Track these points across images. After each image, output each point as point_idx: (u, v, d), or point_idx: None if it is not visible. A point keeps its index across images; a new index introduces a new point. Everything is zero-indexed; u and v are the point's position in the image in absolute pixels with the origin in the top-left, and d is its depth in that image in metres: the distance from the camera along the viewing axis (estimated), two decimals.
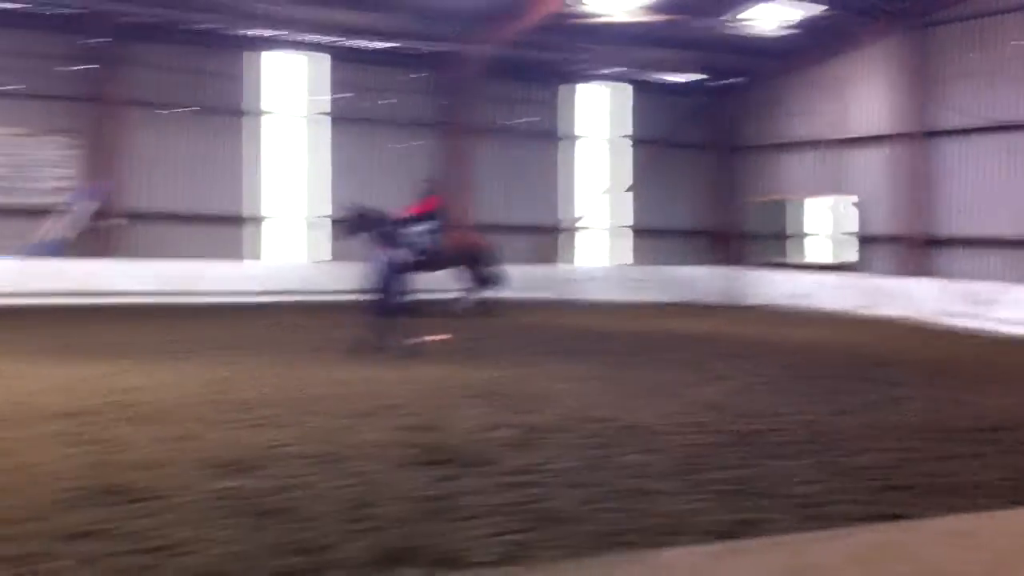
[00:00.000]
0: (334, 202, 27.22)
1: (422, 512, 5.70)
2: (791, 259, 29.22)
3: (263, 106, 27.30)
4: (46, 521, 5.32)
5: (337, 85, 28.00)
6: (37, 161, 24.79)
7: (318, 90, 28.16)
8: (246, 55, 26.97)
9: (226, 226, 26.34)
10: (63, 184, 25.00)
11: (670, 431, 8.33)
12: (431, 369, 12.13)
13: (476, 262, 23.24)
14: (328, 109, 28.02)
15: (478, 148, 29.09)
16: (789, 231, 29.81)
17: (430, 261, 22.48)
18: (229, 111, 26.66)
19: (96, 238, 24.79)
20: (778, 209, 29.95)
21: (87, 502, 5.71)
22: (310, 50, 27.61)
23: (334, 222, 24.05)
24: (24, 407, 8.84)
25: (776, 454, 7.58)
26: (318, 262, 26.84)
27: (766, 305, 25.75)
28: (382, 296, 14.21)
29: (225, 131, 26.67)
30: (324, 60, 27.99)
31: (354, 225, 22.55)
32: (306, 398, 9.68)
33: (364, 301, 14.45)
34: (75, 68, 24.75)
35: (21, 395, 9.54)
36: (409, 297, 14.81)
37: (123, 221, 24.71)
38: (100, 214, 24.75)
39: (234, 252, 25.60)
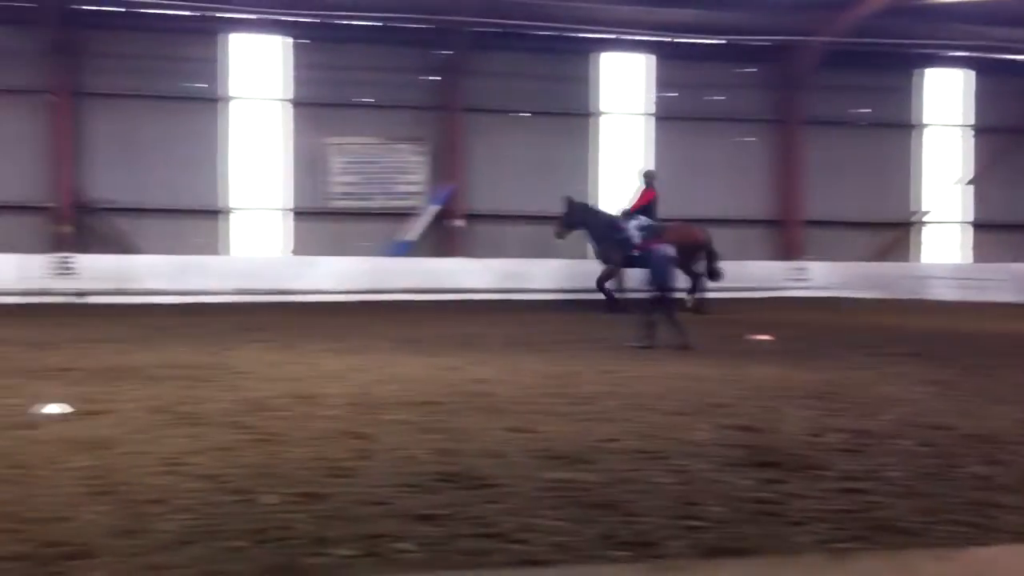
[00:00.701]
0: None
1: (747, 514, 5.62)
2: None
3: (597, 107, 27.76)
4: (393, 504, 5.64)
5: (662, 83, 28.04)
6: (389, 168, 26.60)
7: (647, 89, 28.29)
8: (585, 57, 27.47)
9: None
10: (414, 188, 26.68)
11: (1018, 441, 7.71)
12: (757, 368, 11.86)
13: (694, 257, 22.24)
14: (653, 108, 28.12)
15: (812, 141, 28.20)
16: None
17: (644, 257, 22.03)
18: (573, 112, 27.27)
19: (441, 238, 26.28)
20: None
21: (431, 487, 6.01)
22: (635, 50, 27.79)
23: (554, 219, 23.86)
24: (375, 396, 9.42)
25: None
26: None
27: None
28: (662, 291, 13.97)
29: (569, 132, 27.29)
30: (649, 59, 28.10)
31: (569, 220, 22.27)
32: (633, 393, 9.75)
33: (645, 296, 14.35)
34: (422, 79, 26.32)
35: (373, 385, 10.18)
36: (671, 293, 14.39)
37: (462, 222, 25.90)
38: (444, 215, 26.21)
39: (562, 251, 25.96)
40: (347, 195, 26.66)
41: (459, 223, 25.94)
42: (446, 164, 26.79)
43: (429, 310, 21.39)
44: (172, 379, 10.44)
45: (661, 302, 14.13)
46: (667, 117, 28.24)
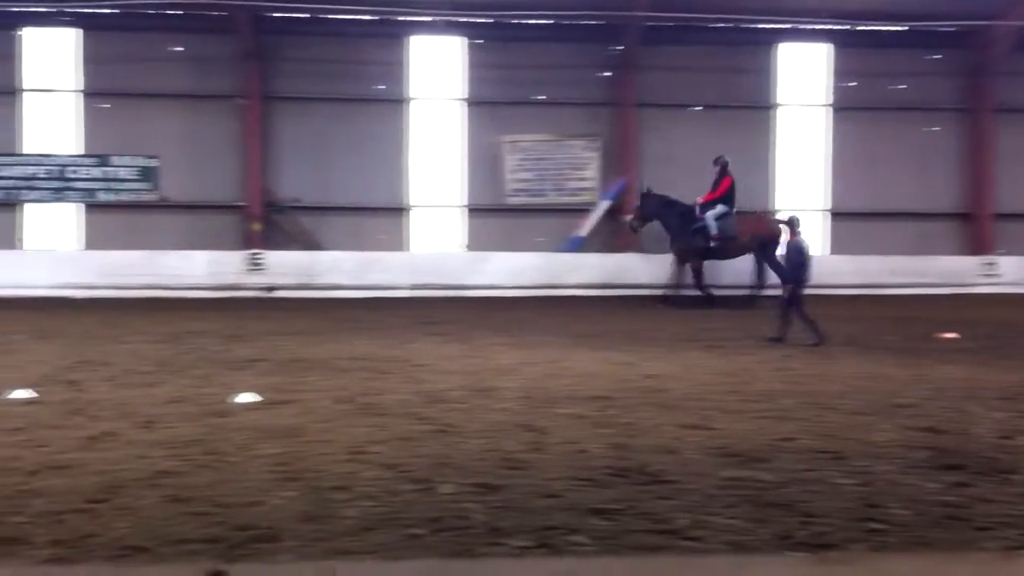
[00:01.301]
0: (834, 195, 26.50)
1: (932, 518, 5.40)
2: None
3: (775, 99, 27.18)
4: (566, 496, 5.67)
5: (842, 73, 27.19)
6: (562, 164, 26.64)
7: (826, 79, 27.50)
8: (761, 48, 26.90)
9: None
10: (586, 184, 26.69)
11: None
12: (943, 368, 11.38)
13: (771, 248, 21.17)
14: (832, 98, 27.30)
15: (1003, 129, 26.82)
16: None
17: (722, 248, 21.04)
18: (749, 105, 26.77)
19: (613, 233, 26.17)
20: None
21: (604, 481, 6.01)
22: (813, 39, 27.02)
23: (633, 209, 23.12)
24: (548, 390, 9.47)
25: None
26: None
27: None
28: (796, 285, 13.66)
29: (744, 125, 26.80)
30: (828, 49, 27.30)
31: (645, 212, 21.61)
32: (811, 392, 9.49)
33: (783, 291, 14.09)
34: (595, 75, 26.27)
35: (546, 379, 10.23)
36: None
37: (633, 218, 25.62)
38: (616, 211, 26.09)
39: None
40: (521, 191, 26.83)
41: (631, 219, 25.71)
42: (618, 159, 26.69)
43: (600, 305, 21.40)
44: (355, 370, 10.76)
45: (794, 297, 13.74)
46: (847, 107, 27.35)
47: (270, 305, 21.95)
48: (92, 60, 26.15)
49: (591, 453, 6.77)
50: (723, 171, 21.92)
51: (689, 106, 26.84)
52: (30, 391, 8.98)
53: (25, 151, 26.31)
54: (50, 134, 26.46)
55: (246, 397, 8.69)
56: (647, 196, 22.13)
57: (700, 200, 21.79)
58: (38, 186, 26.16)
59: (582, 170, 26.80)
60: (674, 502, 5.59)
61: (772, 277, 20.62)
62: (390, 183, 27.00)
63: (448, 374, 10.53)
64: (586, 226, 26.27)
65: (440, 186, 27.26)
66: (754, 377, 10.55)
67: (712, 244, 21.26)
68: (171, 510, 5.36)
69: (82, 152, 26.30)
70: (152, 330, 15.46)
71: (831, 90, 27.52)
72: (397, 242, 27.00)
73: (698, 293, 21.59)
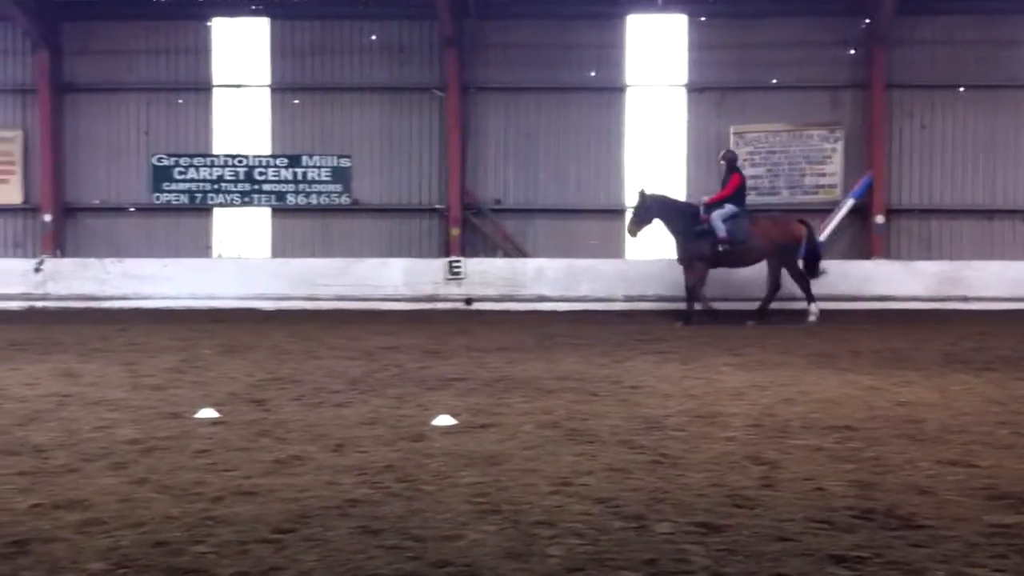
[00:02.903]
0: None
1: None
2: None
3: None
4: (801, 541, 5.59)
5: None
6: (798, 157, 26.02)
7: None
8: None
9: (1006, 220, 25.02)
10: (827, 180, 26.01)
11: None
12: None
13: (791, 254, 20.68)
14: None
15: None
16: None
17: (732, 253, 20.62)
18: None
19: (858, 237, 25.41)
20: None
21: (846, 524, 5.89)
22: None
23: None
24: (781, 417, 9.36)
25: None
26: None
27: None
28: None
29: (1017, 107, 25.63)
30: None
31: (641, 214, 20.86)
32: None
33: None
34: (837, 53, 25.58)
35: (779, 405, 10.10)
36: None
37: (883, 218, 24.89)
38: (862, 210, 25.33)
39: (1010, 252, 25.03)
40: (751, 189, 26.36)
41: (879, 220, 24.87)
42: (864, 151, 25.92)
43: (843, 320, 20.89)
44: (562, 392, 10.92)
45: None
46: None
47: (470, 318, 22.38)
48: (281, 52, 27.43)
49: (830, 491, 6.65)
50: (731, 167, 21.30)
51: (948, 87, 25.80)
52: (216, 411, 9.46)
53: (214, 151, 27.74)
54: (239, 132, 27.89)
55: (444, 420, 8.96)
56: (643, 197, 21.51)
57: (707, 200, 21.26)
58: (227, 189, 27.54)
59: (822, 164, 26.15)
60: (929, 551, 5.42)
61: (790, 286, 20.79)
62: (603, 181, 27.20)
63: (666, 397, 10.55)
64: (827, 229, 25.62)
65: (659, 184, 26.88)
66: None
67: (721, 248, 20.64)
68: (362, 543, 5.53)
69: (271, 152, 27.53)
70: (344, 345, 15.99)
71: None
72: (610, 248, 27.02)
73: (697, 306, 21.10)
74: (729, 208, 20.80)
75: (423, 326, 19.82)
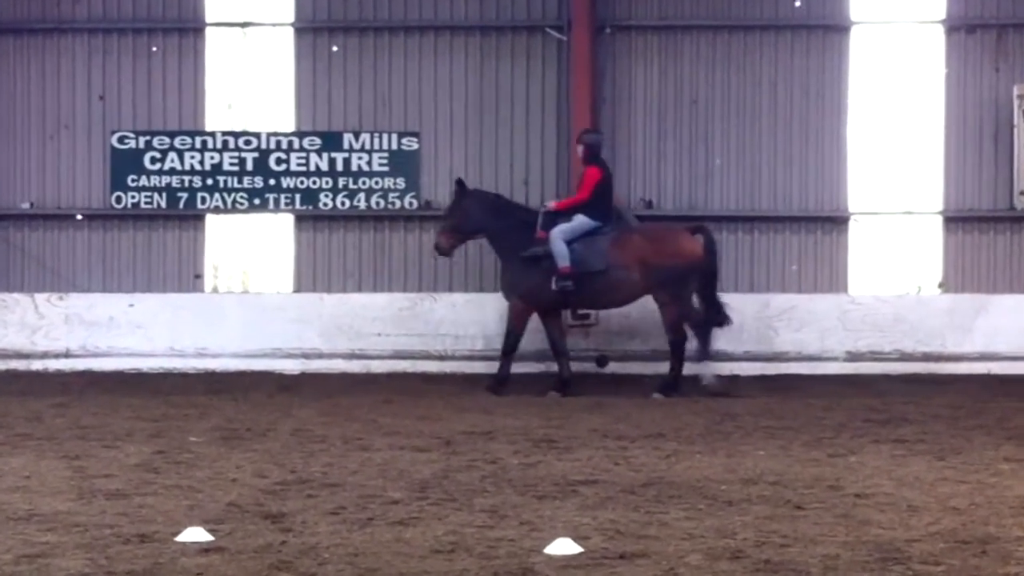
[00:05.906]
0: None
1: None
2: None
3: None
4: None
5: None
6: None
7: None
8: None
9: None
10: None
11: None
12: None
13: (678, 285, 19.63)
14: None
15: None
16: None
17: (584, 289, 19.53)
18: None
19: None
20: None
21: None
22: None
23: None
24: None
25: None
26: None
27: None
28: None
29: None
30: None
31: (461, 220, 20.44)
32: None
33: None
34: None
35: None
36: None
37: None
38: None
39: None
40: None
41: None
42: None
43: None
44: (747, 502, 10.60)
45: None
46: None
47: (605, 386, 21.26)
48: None
49: None
50: (590, 155, 20.03)
51: None
52: (208, 531, 8.98)
53: (207, 127, 25.18)
54: (247, 98, 25.48)
55: (563, 546, 8.53)
56: (464, 192, 20.49)
57: (551, 205, 20.27)
58: (227, 185, 25.00)
59: None
60: None
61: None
62: (814, 174, 25.02)
63: (913, 512, 10.02)
64: None
65: (890, 176, 25.35)
66: None
67: (558, 285, 19.27)
68: None
69: (295, 128, 25.10)
70: (408, 428, 15.65)
71: None
72: (823, 276, 24.84)
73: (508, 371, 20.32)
74: (581, 221, 19.55)
75: (531, 398, 19.33)
